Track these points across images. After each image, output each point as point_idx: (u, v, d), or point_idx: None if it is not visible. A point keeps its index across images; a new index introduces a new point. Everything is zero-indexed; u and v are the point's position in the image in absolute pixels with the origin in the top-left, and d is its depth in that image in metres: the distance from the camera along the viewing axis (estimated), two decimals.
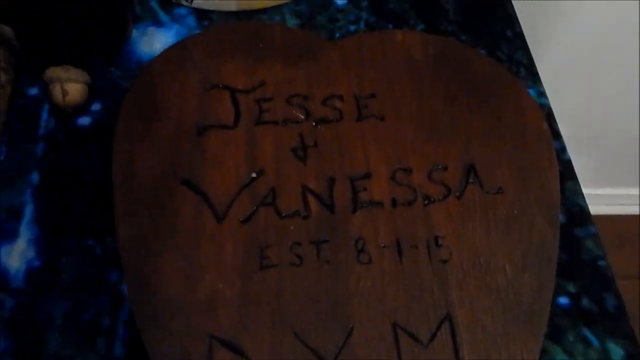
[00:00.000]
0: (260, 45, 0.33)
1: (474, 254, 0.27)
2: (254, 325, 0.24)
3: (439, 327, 0.25)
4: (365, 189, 0.28)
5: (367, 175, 0.29)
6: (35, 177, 0.32)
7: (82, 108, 0.34)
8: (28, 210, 0.31)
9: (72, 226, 0.31)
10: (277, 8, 0.39)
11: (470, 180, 0.29)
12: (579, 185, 0.34)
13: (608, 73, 0.78)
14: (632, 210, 1.01)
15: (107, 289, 0.29)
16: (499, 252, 0.27)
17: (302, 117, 0.30)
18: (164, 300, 0.25)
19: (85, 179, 0.32)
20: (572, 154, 0.35)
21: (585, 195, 0.33)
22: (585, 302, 0.30)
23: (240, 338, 0.24)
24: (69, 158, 0.33)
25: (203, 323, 0.24)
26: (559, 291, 0.30)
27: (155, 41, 0.37)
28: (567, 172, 0.34)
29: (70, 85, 0.33)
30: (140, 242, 0.26)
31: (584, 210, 0.33)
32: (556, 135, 0.36)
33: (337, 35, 0.38)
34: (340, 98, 0.31)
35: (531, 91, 0.37)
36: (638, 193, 1.00)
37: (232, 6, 0.38)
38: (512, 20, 0.41)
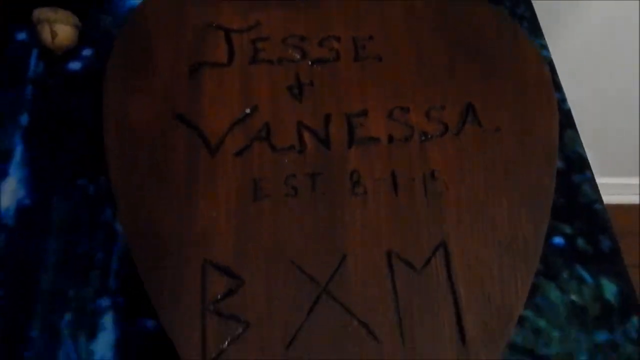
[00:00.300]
0: None
1: (471, 188, 0.27)
2: (250, 253, 0.25)
3: (433, 254, 0.25)
4: (361, 126, 0.29)
5: (364, 113, 0.29)
6: (24, 119, 0.32)
7: (72, 52, 0.35)
8: (18, 152, 0.31)
9: (63, 167, 0.31)
10: None
11: (469, 118, 0.29)
12: (578, 135, 0.35)
13: (610, 64, 0.79)
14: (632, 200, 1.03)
15: (100, 226, 0.29)
16: (496, 187, 0.27)
17: (298, 56, 0.31)
18: (160, 233, 0.25)
19: (76, 121, 0.33)
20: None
21: None
22: (580, 242, 0.31)
23: (235, 265, 0.25)
24: (59, 101, 0.33)
25: (197, 251, 0.25)
26: (555, 232, 0.31)
27: None
28: (566, 121, 0.35)
29: (59, 27, 0.33)
30: (134, 177, 0.27)
31: (582, 157, 0.34)
32: (557, 86, 0.36)
33: None
34: (338, 39, 0.32)
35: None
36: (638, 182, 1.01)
37: None
38: None
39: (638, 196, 1.03)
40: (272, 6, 0.32)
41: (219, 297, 0.24)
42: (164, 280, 0.24)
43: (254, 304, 0.24)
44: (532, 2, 0.40)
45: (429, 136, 0.29)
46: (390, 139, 0.29)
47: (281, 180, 0.27)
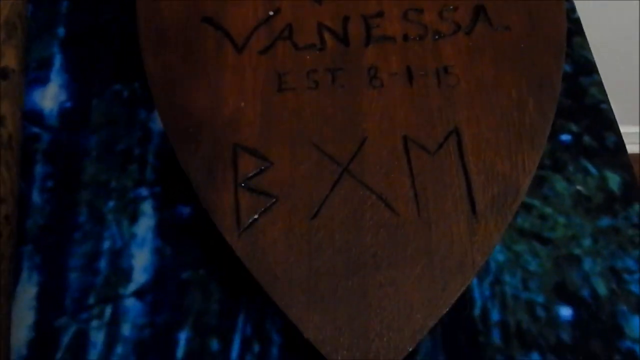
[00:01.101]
0: None
1: (481, 80, 0.28)
2: (275, 137, 0.27)
3: (446, 139, 0.27)
4: (378, 26, 0.30)
5: (380, 14, 0.30)
6: (61, 31, 0.34)
7: None
8: (57, 60, 0.33)
9: (100, 74, 0.33)
10: None
11: (480, 18, 0.30)
12: (586, 40, 0.36)
13: None
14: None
15: (136, 125, 0.31)
16: (506, 79, 0.29)
17: None
18: (193, 118, 0.27)
19: (109, 33, 0.34)
20: None
21: None
22: (586, 139, 0.32)
23: (262, 147, 0.26)
24: (93, 14, 0.35)
25: (228, 136, 0.26)
26: (562, 130, 0.32)
27: None
28: (575, 29, 0.36)
29: None
30: (168, 72, 0.28)
31: (589, 60, 0.35)
32: None
33: None
34: None
35: None
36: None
37: None
38: None
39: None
40: None
41: (249, 175, 0.26)
42: (200, 161, 0.26)
43: (281, 181, 0.26)
44: None
45: (442, 35, 0.30)
46: (405, 37, 0.30)
47: (303, 74, 0.28)
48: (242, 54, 0.29)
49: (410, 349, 0.23)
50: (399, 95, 0.28)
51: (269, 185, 0.25)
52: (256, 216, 0.25)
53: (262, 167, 0.26)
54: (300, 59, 0.29)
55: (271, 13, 0.30)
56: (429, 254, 0.24)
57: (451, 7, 0.31)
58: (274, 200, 0.25)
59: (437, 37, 0.30)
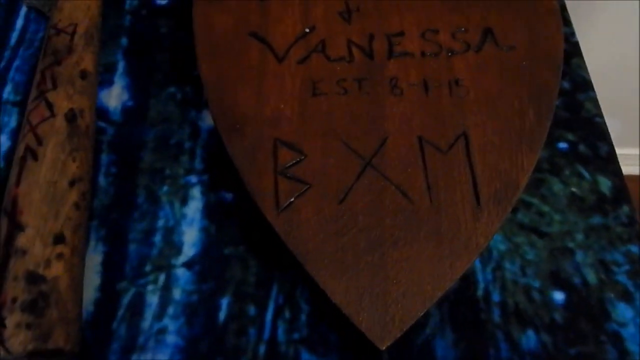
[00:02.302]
0: None
1: (488, 92, 0.32)
2: (309, 133, 0.30)
3: (456, 140, 0.30)
4: (399, 44, 0.33)
5: (401, 34, 0.34)
6: (124, 41, 0.38)
7: None
8: (120, 66, 0.37)
9: (157, 77, 0.36)
10: None
11: (488, 39, 0.34)
12: (584, 61, 0.39)
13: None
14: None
15: (187, 123, 0.35)
16: (509, 91, 0.32)
17: None
18: (239, 115, 0.30)
19: (164, 43, 0.38)
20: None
21: None
22: (581, 147, 0.35)
23: (298, 142, 0.30)
24: (151, 28, 0.38)
25: (269, 131, 0.30)
26: (560, 139, 0.35)
27: None
28: (574, 51, 0.39)
29: None
30: (219, 76, 0.32)
31: (585, 79, 0.38)
32: (568, 22, 0.40)
33: None
34: None
35: None
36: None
37: None
38: None
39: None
40: None
41: (287, 165, 0.29)
42: (245, 152, 0.29)
43: (313, 171, 0.29)
44: None
45: (455, 52, 0.33)
46: (423, 53, 0.33)
47: (334, 82, 0.32)
48: (282, 63, 0.32)
49: (421, 314, 0.26)
50: (416, 102, 0.31)
51: (303, 173, 0.29)
52: (292, 199, 0.28)
53: (298, 159, 0.29)
54: (331, 69, 0.32)
55: (307, 30, 0.34)
56: (439, 236, 0.27)
57: (463, 29, 0.34)
58: (308, 186, 0.29)
59: (450, 54, 0.33)
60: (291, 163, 0.29)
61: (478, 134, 0.30)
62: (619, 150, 0.36)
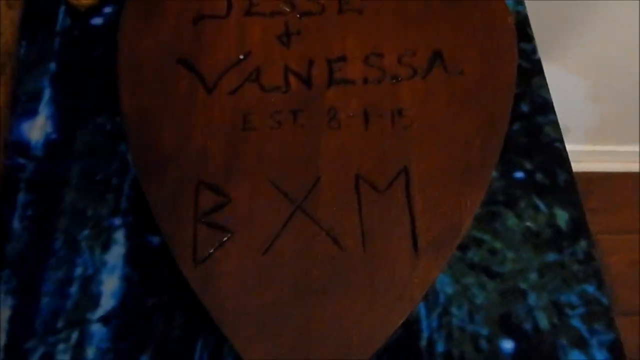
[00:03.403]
0: None
1: (434, 122, 0.29)
2: (236, 174, 0.27)
3: (395, 178, 0.27)
4: (340, 70, 0.30)
5: (343, 58, 0.31)
6: (52, 66, 0.35)
7: (95, 9, 0.37)
8: (46, 94, 0.34)
9: (85, 107, 0.33)
10: None
11: (436, 63, 0.31)
12: (545, 80, 0.36)
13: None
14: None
15: (116, 156, 0.32)
16: (456, 121, 0.29)
17: (288, 9, 0.32)
18: (160, 153, 0.27)
19: (97, 68, 0.35)
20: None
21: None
22: (539, 176, 0.32)
23: (223, 183, 0.27)
24: (83, 51, 0.35)
25: (193, 172, 0.27)
26: (516, 168, 0.32)
27: None
28: (535, 69, 0.36)
29: None
30: (141, 108, 0.29)
31: (546, 100, 0.35)
32: (529, 38, 0.37)
33: None
34: None
35: (509, 1, 0.38)
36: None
37: None
38: None
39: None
40: None
41: (208, 210, 0.26)
42: (164, 196, 0.27)
43: (237, 217, 0.26)
44: None
45: (399, 78, 0.30)
46: (365, 80, 0.30)
47: (267, 115, 0.29)
48: (212, 94, 0.29)
49: None
50: (354, 135, 0.28)
51: (226, 220, 0.26)
52: (212, 250, 0.25)
53: (221, 203, 0.26)
54: (265, 100, 0.29)
55: (242, 57, 0.31)
56: (372, 288, 0.25)
57: (410, 51, 0.31)
58: (229, 234, 0.26)
59: (394, 80, 0.30)
60: (213, 208, 0.26)
61: (420, 169, 0.27)
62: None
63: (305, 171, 0.27)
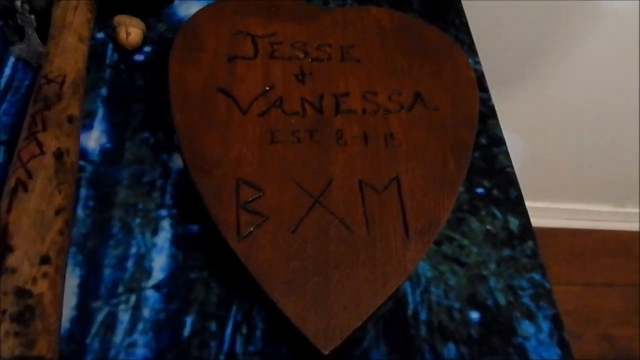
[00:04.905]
0: (273, 9, 0.43)
1: (417, 144, 0.37)
2: (267, 175, 0.34)
3: (390, 183, 0.35)
4: (344, 102, 0.39)
5: (346, 94, 0.39)
6: (104, 91, 0.42)
7: (138, 49, 0.44)
8: (100, 113, 0.41)
9: (133, 124, 0.40)
10: None
11: (417, 101, 0.40)
12: (498, 121, 0.45)
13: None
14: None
15: (159, 164, 0.38)
16: (434, 144, 0.37)
17: (302, 55, 0.41)
18: (208, 157, 0.34)
19: (139, 94, 0.42)
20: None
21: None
22: (495, 192, 0.41)
23: (257, 181, 0.34)
24: (129, 81, 0.43)
25: (233, 172, 0.34)
26: (478, 185, 0.41)
27: (191, 7, 0.48)
28: (490, 113, 0.45)
29: (132, 29, 0.43)
30: (189, 123, 0.36)
31: (499, 137, 0.44)
32: (485, 89, 0.47)
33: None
34: (330, 46, 0.42)
35: (470, 60, 0.48)
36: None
37: None
38: (459, 12, 0.52)
39: None
40: (284, 20, 0.42)
41: (247, 200, 0.33)
42: (211, 189, 0.33)
43: (270, 206, 0.33)
44: (470, 31, 0.51)
45: (390, 111, 0.39)
46: (364, 111, 0.38)
47: (289, 132, 0.36)
48: (246, 115, 0.37)
49: (358, 326, 0.30)
50: (357, 151, 0.36)
51: (261, 208, 0.33)
52: (252, 229, 0.32)
53: (257, 195, 0.33)
54: (287, 122, 0.37)
55: (267, 88, 0.39)
56: (374, 262, 0.32)
57: (397, 92, 0.40)
58: (265, 218, 0.33)
59: (386, 112, 0.39)
60: (251, 199, 0.33)
61: (408, 178, 0.35)
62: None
63: (320, 175, 0.35)
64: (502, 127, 0.46)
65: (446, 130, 0.38)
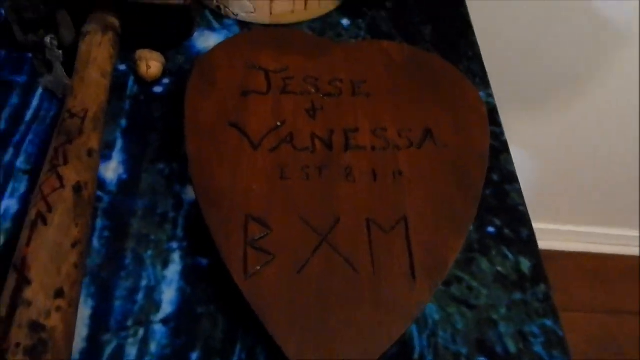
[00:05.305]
0: (285, 43, 0.44)
1: (425, 182, 0.37)
2: (276, 211, 0.35)
3: (397, 223, 0.35)
4: (354, 139, 0.39)
5: (356, 130, 0.39)
6: (123, 122, 0.43)
7: (158, 81, 0.45)
8: (119, 144, 0.42)
9: (149, 154, 0.41)
10: (299, 24, 0.50)
11: (427, 138, 0.40)
12: (511, 157, 0.45)
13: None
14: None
15: (172, 195, 0.39)
16: (443, 181, 0.37)
17: (313, 90, 0.41)
18: (217, 189, 0.35)
19: (157, 126, 0.43)
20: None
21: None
22: (506, 231, 0.40)
23: (266, 218, 0.34)
24: (147, 112, 0.44)
25: (242, 207, 0.34)
26: (488, 224, 0.40)
27: (209, 40, 0.49)
28: (503, 148, 0.45)
29: (152, 63, 0.44)
30: (201, 156, 0.37)
31: (512, 173, 0.44)
32: (498, 123, 0.46)
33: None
34: (341, 81, 0.42)
35: (482, 93, 0.48)
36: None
37: (266, 20, 0.50)
38: (472, 44, 0.52)
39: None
40: (296, 55, 0.43)
41: (255, 238, 0.34)
42: (220, 224, 0.34)
43: (277, 244, 0.33)
44: (484, 62, 0.51)
45: (399, 147, 0.39)
46: (373, 148, 0.39)
47: (299, 168, 0.37)
48: (257, 150, 0.38)
49: None
50: (366, 188, 0.36)
51: (268, 246, 0.33)
52: (259, 267, 0.32)
53: (265, 233, 0.34)
54: (297, 157, 0.37)
55: (279, 123, 0.39)
56: (379, 304, 0.32)
57: (407, 128, 0.40)
58: (272, 257, 0.33)
59: (396, 149, 0.39)
60: (259, 236, 0.34)
61: (416, 217, 0.35)
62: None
63: (328, 212, 0.35)
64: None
65: (456, 168, 0.38)
